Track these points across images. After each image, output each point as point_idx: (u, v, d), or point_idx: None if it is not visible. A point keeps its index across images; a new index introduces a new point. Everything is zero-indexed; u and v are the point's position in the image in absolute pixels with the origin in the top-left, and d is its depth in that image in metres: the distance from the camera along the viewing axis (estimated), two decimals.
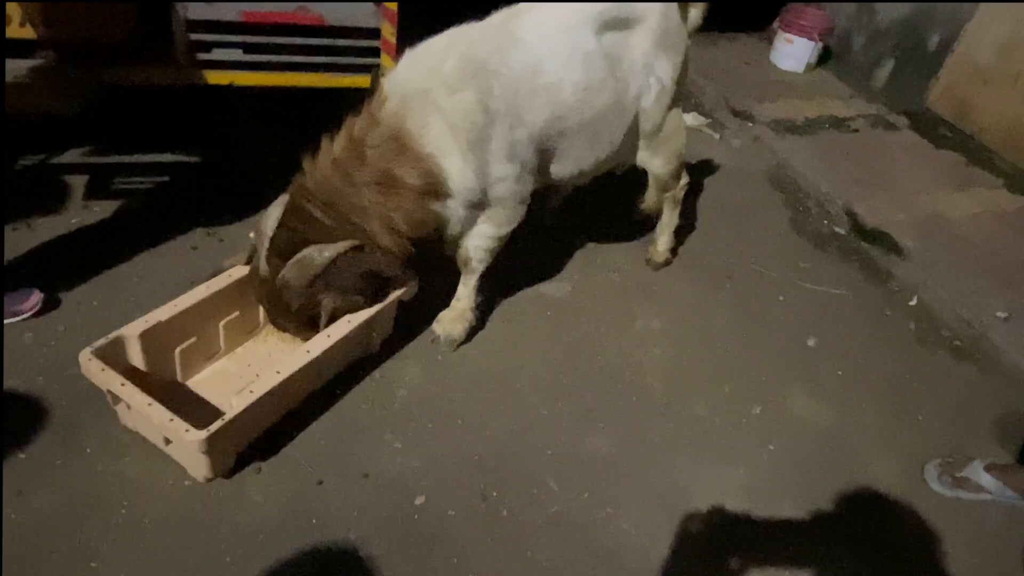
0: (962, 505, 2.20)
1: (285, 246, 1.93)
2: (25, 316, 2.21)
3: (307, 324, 2.05)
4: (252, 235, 2.08)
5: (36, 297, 2.23)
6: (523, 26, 2.10)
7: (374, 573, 1.77)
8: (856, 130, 4.18)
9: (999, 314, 2.93)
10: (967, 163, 3.97)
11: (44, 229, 2.55)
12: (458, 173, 1.99)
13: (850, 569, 2.00)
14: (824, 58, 4.85)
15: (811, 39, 4.69)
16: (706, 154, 3.73)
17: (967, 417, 2.54)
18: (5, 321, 2.18)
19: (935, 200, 3.61)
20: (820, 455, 2.29)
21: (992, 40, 4.02)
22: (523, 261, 2.67)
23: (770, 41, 4.90)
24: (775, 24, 4.90)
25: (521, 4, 2.18)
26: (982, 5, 4.01)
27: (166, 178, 2.86)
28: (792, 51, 4.75)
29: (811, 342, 2.71)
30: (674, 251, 2.96)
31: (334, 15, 2.48)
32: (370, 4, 2.49)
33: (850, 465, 2.28)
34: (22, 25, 2.29)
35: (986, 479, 2.19)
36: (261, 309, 2.21)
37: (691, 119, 3.93)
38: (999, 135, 4.02)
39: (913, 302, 3.00)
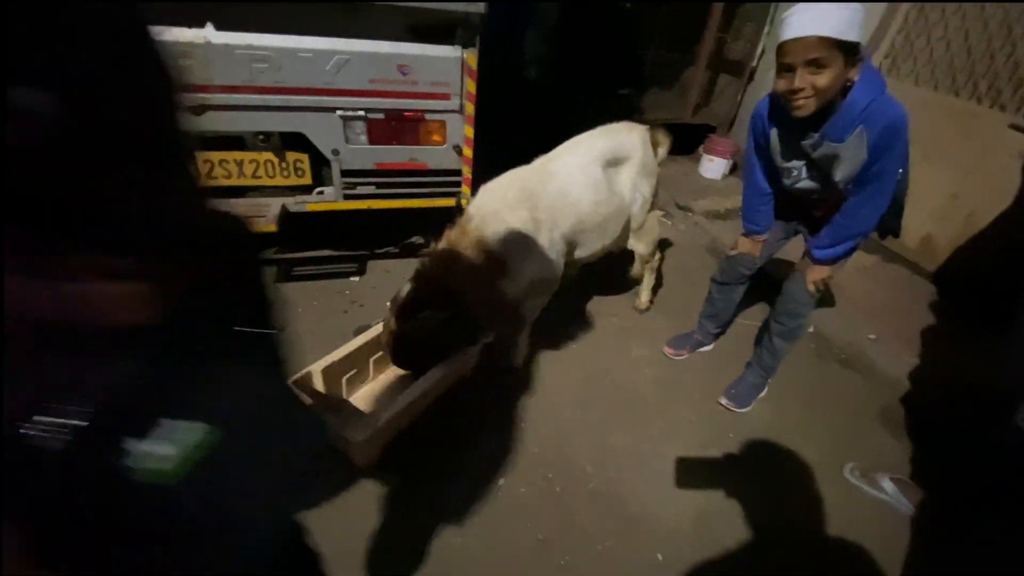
0: (858, 494, 1.93)
1: (412, 309, 1.84)
2: None
3: (418, 365, 1.93)
4: (389, 303, 1.99)
5: None
6: (555, 166, 2.05)
7: (474, 535, 1.65)
8: None
9: (870, 336, 2.75)
10: None
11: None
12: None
13: (773, 508, 1.85)
14: (733, 169, 4.74)
15: (724, 158, 4.60)
16: (663, 235, 3.61)
17: (856, 408, 2.36)
18: None
19: None
20: (764, 439, 2.13)
21: None
22: (556, 313, 2.54)
23: (697, 161, 4.81)
24: (700, 149, 4.82)
25: (553, 152, 2.13)
26: None
27: (326, 267, 2.81)
28: (713, 166, 4.65)
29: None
30: (652, 301, 2.84)
31: (433, 162, 2.44)
32: (454, 154, 2.46)
33: (782, 446, 2.12)
34: (242, 176, 2.28)
35: (888, 485, 1.90)
36: None
37: None
38: None
39: (811, 329, 2.83)
